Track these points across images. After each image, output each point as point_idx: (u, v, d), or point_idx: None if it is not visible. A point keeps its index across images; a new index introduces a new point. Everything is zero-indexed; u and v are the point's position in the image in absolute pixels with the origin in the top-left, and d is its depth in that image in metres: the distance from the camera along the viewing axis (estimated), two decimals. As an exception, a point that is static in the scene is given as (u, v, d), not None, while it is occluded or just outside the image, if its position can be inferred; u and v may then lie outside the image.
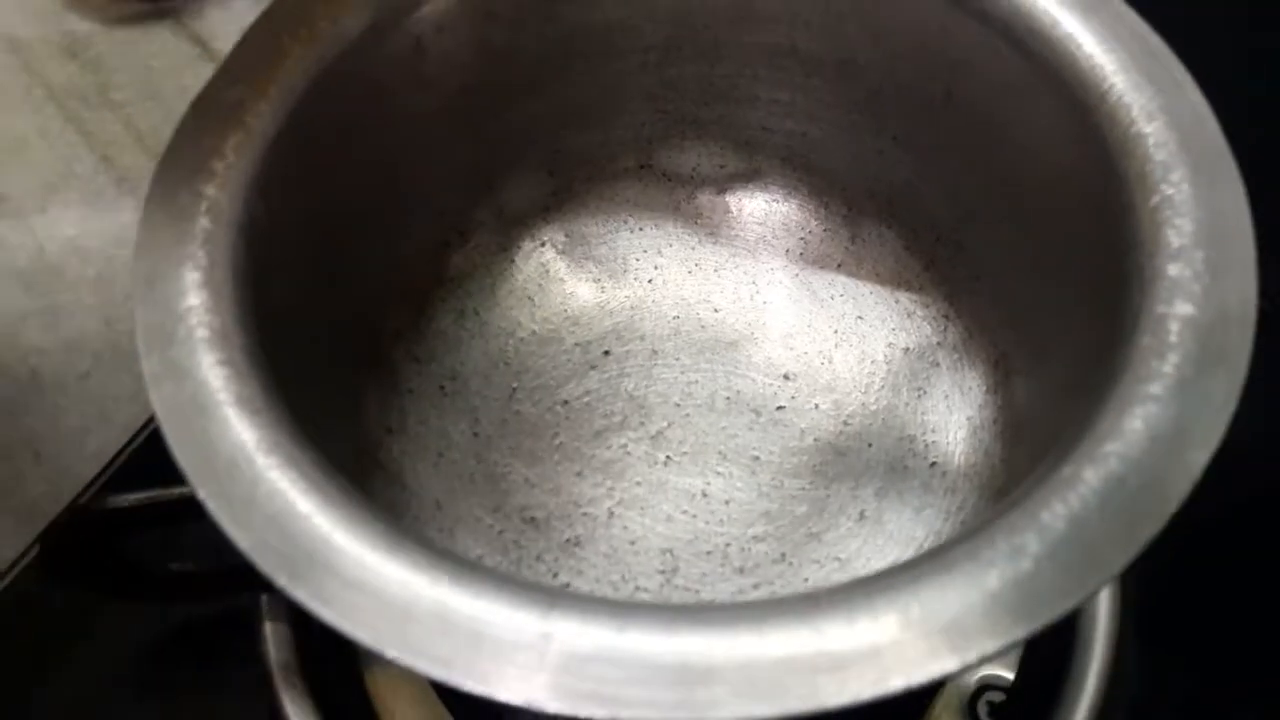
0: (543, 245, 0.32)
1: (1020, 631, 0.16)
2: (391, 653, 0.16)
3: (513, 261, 0.31)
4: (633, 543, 0.28)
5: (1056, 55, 0.23)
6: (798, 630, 0.16)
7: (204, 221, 0.20)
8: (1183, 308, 0.19)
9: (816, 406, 0.30)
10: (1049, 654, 0.29)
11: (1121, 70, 0.22)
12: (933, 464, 0.28)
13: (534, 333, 0.31)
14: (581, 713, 0.15)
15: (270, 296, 0.21)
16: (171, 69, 0.45)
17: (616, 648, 0.16)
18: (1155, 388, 0.18)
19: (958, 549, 0.17)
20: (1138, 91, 0.22)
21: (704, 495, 0.29)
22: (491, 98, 0.28)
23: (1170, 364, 0.18)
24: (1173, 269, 0.19)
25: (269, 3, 0.24)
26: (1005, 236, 0.27)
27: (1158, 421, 0.18)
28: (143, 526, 0.26)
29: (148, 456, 0.34)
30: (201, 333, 0.19)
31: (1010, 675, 0.29)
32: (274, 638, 0.29)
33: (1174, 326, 0.19)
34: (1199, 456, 0.17)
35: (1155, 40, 0.22)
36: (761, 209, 0.32)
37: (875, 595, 0.16)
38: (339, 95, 0.24)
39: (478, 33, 0.27)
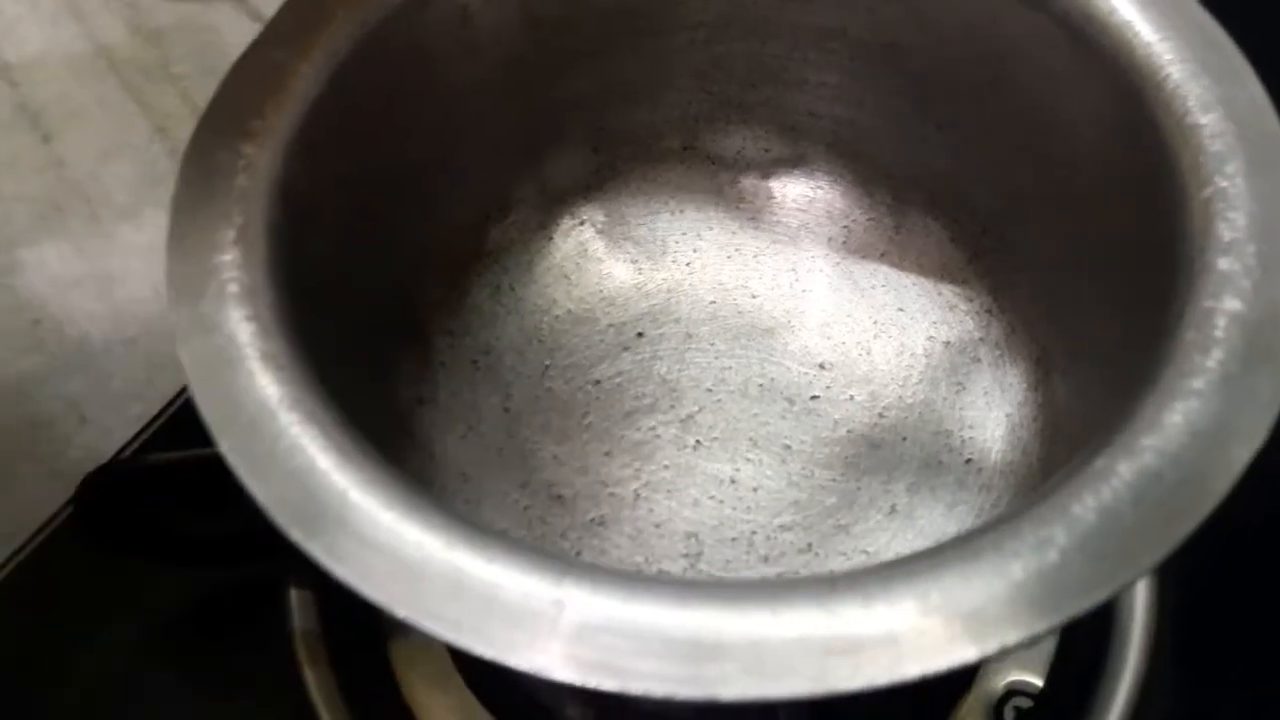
0: (582, 224, 0.32)
1: (1044, 624, 0.15)
2: (402, 613, 0.16)
3: (551, 239, 0.31)
4: (658, 525, 0.27)
5: (1113, 42, 0.22)
6: (812, 611, 0.15)
7: (240, 179, 0.21)
8: (1231, 303, 0.18)
9: (852, 398, 0.30)
10: (1080, 659, 0.28)
11: (1179, 59, 0.21)
12: (968, 460, 0.28)
13: (569, 311, 0.31)
14: (591, 683, 0.15)
15: (306, 258, 0.21)
16: (231, 45, 0.45)
17: (628, 619, 0.16)
18: (1197, 382, 0.18)
19: (982, 538, 0.16)
20: (1194, 81, 0.21)
21: (732, 481, 0.28)
22: (538, 70, 0.28)
23: (1214, 359, 0.18)
24: (1223, 263, 0.19)
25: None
26: (1052, 228, 0.26)
27: (1198, 417, 0.17)
28: (174, 485, 0.26)
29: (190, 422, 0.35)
30: (232, 288, 0.19)
31: (1039, 681, 0.29)
32: (299, 605, 0.29)
33: (1220, 321, 0.18)
34: (1241, 454, 0.17)
35: (1215, 29, 0.22)
36: (805, 195, 0.32)
37: (894, 580, 0.16)
38: (383, 60, 0.24)
39: (526, 3, 0.27)
